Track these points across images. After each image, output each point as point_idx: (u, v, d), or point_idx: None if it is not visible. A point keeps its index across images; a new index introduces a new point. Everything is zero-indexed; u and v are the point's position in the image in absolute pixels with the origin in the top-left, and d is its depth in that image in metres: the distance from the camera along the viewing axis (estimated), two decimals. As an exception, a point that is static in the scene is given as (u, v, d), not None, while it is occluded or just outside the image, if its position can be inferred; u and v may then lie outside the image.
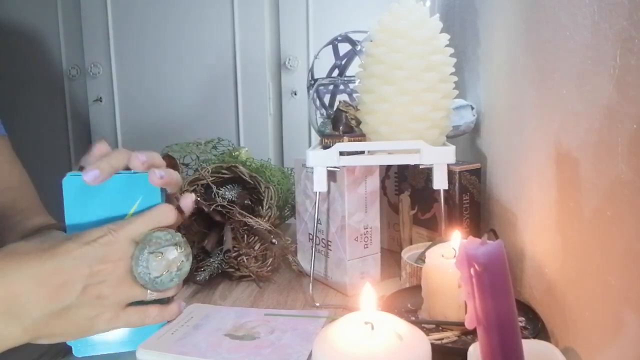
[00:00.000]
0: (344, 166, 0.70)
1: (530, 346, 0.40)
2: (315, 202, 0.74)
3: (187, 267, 0.51)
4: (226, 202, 0.83)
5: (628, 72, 0.36)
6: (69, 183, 0.52)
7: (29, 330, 0.45)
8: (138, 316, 0.51)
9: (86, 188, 0.51)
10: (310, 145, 1.83)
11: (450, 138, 0.79)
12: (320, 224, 0.77)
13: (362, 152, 0.70)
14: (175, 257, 0.50)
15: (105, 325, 0.49)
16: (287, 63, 1.87)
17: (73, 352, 0.54)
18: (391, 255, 0.88)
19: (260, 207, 0.86)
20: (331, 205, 0.75)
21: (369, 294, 0.38)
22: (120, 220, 0.50)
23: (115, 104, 1.97)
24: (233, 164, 0.89)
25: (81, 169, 0.54)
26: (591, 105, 0.43)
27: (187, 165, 0.95)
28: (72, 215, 0.51)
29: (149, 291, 0.50)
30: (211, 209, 0.82)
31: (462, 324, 0.52)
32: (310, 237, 0.80)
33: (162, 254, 0.49)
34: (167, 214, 0.51)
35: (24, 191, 0.86)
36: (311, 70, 1.01)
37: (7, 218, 0.78)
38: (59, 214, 0.85)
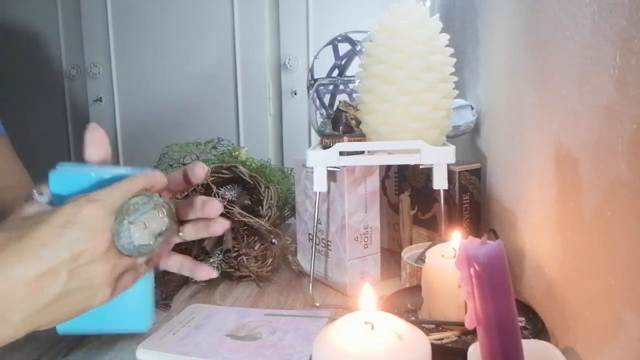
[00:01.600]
0: (344, 166, 0.70)
1: (530, 346, 0.40)
2: (315, 202, 0.74)
3: (172, 224, 0.49)
4: (226, 202, 0.83)
5: (628, 72, 0.36)
6: (57, 177, 0.51)
7: (21, 327, 0.43)
8: (131, 278, 0.49)
9: (74, 183, 0.50)
10: (310, 145, 1.83)
11: (450, 138, 0.79)
12: (320, 224, 0.77)
13: (362, 152, 0.70)
14: (158, 221, 0.48)
15: (106, 300, 0.47)
16: (287, 63, 1.87)
17: (56, 328, 0.52)
18: (391, 255, 0.88)
19: (260, 207, 0.86)
20: (331, 205, 0.75)
21: (368, 294, 0.39)
22: (94, 192, 0.46)
23: (115, 104, 1.97)
24: (233, 164, 0.89)
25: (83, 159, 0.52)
26: (591, 105, 0.43)
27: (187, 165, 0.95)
28: None
29: (138, 258, 0.49)
30: (211, 209, 0.82)
31: (462, 324, 0.52)
32: (310, 237, 0.80)
33: (144, 223, 0.47)
34: (144, 180, 0.48)
35: (25, 190, 0.86)
36: (311, 70, 1.01)
37: (7, 217, 0.78)
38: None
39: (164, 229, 0.48)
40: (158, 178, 0.51)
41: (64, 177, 0.51)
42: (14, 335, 0.44)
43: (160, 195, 0.49)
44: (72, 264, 0.43)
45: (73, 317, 0.47)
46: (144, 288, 0.55)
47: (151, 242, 0.47)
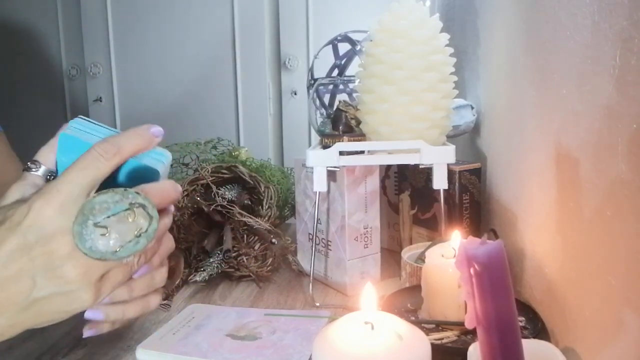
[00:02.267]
0: (344, 166, 0.70)
1: (530, 346, 0.40)
2: (315, 202, 0.74)
3: (153, 225, 0.40)
4: (226, 202, 0.83)
5: (628, 72, 0.36)
6: (64, 141, 0.44)
7: (6, 329, 0.40)
8: (119, 276, 0.42)
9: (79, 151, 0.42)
10: (310, 145, 1.83)
11: (450, 138, 0.79)
12: (320, 223, 0.77)
13: (362, 152, 0.70)
14: (128, 227, 0.39)
15: (90, 305, 0.41)
16: (287, 63, 1.87)
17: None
18: (391, 255, 0.88)
19: (260, 207, 0.86)
20: (331, 205, 0.75)
21: (369, 294, 0.39)
22: (48, 183, 0.39)
23: (115, 104, 1.97)
24: (233, 164, 0.89)
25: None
26: (591, 105, 0.43)
27: (187, 165, 0.95)
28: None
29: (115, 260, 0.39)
30: (211, 209, 0.82)
31: (462, 324, 0.52)
32: (310, 237, 0.80)
33: (106, 228, 0.38)
34: (102, 162, 0.39)
35: None
36: (311, 70, 1.01)
37: None
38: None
39: (136, 234, 0.39)
40: (137, 142, 0.42)
41: (71, 140, 0.44)
42: (3, 335, 0.41)
43: (138, 193, 0.39)
44: (33, 270, 0.38)
45: (60, 319, 0.42)
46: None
47: (117, 250, 0.39)
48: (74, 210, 0.38)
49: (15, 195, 0.42)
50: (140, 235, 0.39)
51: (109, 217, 0.38)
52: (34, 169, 0.44)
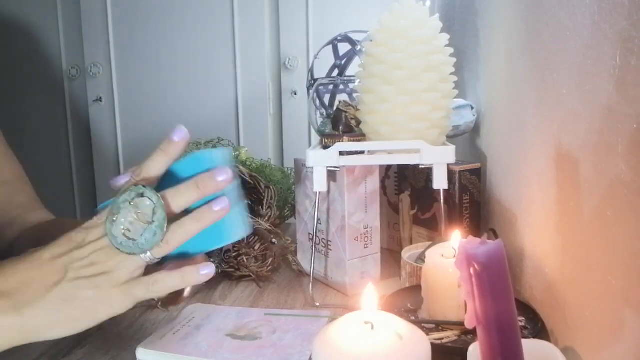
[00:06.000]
0: (344, 166, 0.70)
1: (530, 346, 0.40)
2: (315, 202, 0.74)
3: (160, 213, 0.45)
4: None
5: (628, 72, 0.36)
6: None
7: (30, 319, 0.44)
8: (143, 287, 0.47)
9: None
10: (310, 145, 1.83)
11: (450, 138, 0.79)
12: (320, 223, 0.77)
13: (362, 152, 0.70)
14: (133, 215, 0.45)
15: (114, 310, 0.47)
16: (287, 63, 1.87)
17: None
18: (391, 255, 0.88)
19: (260, 207, 0.86)
20: (331, 205, 0.75)
21: (370, 294, 0.39)
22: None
23: (115, 104, 1.97)
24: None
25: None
26: (591, 105, 0.43)
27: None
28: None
29: (142, 255, 0.46)
30: (211, 209, 0.82)
31: (462, 324, 0.52)
32: (310, 237, 0.80)
33: (123, 223, 0.45)
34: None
35: (20, 185, 0.84)
36: (311, 70, 1.01)
37: (6, 213, 0.77)
38: (59, 211, 0.85)
39: (151, 216, 0.45)
40: (160, 159, 0.49)
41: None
42: (21, 329, 0.45)
43: (144, 186, 0.46)
44: (69, 264, 0.46)
45: (77, 325, 0.47)
46: (234, 201, 0.52)
47: (146, 236, 0.45)
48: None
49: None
50: (152, 223, 0.45)
51: (119, 212, 0.45)
52: None
